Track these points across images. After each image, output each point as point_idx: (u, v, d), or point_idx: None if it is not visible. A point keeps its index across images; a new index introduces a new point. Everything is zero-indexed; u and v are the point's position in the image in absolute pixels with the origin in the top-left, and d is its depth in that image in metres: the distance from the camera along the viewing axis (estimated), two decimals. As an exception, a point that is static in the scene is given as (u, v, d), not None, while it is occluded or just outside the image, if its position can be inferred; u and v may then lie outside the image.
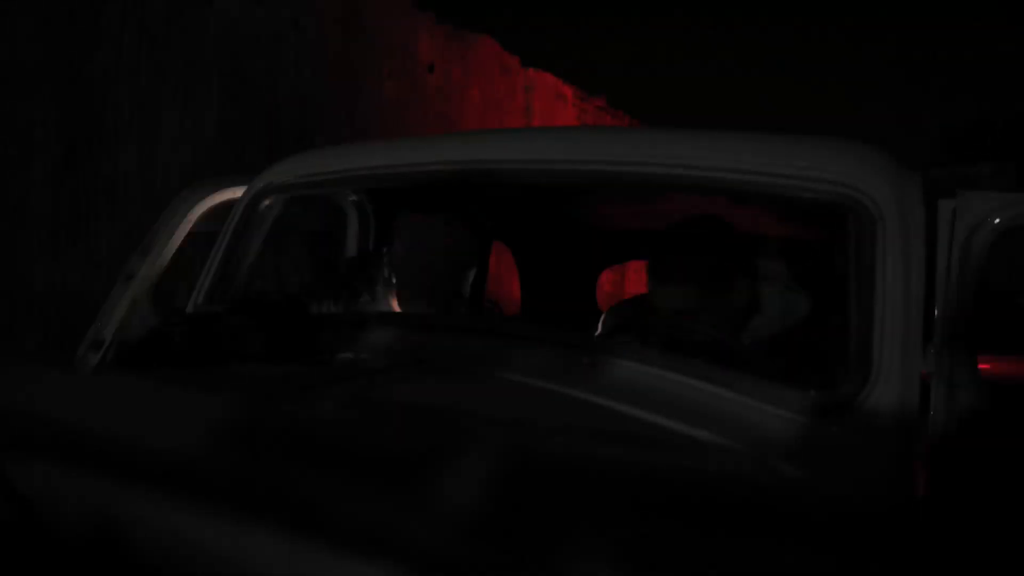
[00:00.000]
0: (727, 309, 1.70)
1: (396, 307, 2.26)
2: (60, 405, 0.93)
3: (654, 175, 1.46)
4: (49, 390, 1.00)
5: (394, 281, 2.34)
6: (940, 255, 1.30)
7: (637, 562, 0.69)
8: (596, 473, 0.93)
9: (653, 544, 0.73)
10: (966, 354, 1.25)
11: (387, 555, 0.63)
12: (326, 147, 2.05)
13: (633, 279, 8.03)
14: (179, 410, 0.94)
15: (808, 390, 1.26)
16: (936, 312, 1.28)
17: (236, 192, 2.21)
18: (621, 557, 0.69)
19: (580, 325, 2.25)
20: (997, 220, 1.30)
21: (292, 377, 1.24)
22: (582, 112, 8.52)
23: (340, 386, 1.24)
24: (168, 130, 4.11)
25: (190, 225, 2.37)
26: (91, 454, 0.79)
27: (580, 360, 1.41)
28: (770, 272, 1.84)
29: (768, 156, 1.37)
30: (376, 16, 5.65)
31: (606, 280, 4.52)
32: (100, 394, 1.00)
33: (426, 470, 0.79)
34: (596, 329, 2.05)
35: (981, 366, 1.30)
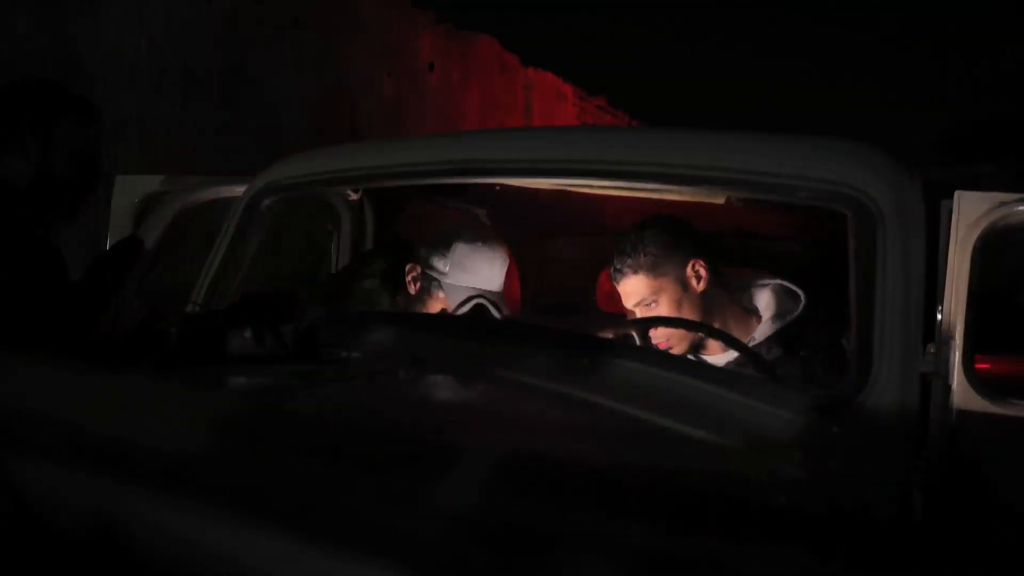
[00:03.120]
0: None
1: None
2: (60, 404, 0.93)
3: (654, 175, 1.46)
4: (49, 388, 1.00)
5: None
6: (940, 255, 1.30)
7: (636, 562, 0.69)
8: (595, 473, 0.93)
9: (652, 545, 0.73)
10: (966, 354, 1.25)
11: (387, 555, 0.63)
12: (326, 147, 2.05)
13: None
14: (178, 409, 0.94)
15: (808, 390, 1.26)
16: (936, 312, 1.28)
17: (235, 192, 2.21)
18: (619, 557, 0.69)
19: (580, 325, 2.25)
20: (997, 220, 1.30)
21: (291, 377, 1.24)
22: (582, 112, 8.52)
23: (339, 386, 1.24)
24: (168, 129, 4.10)
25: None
26: (91, 453, 0.79)
27: (580, 360, 1.41)
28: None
29: (768, 156, 1.37)
30: (376, 15, 5.65)
31: (606, 280, 4.50)
32: (99, 393, 1.00)
33: (426, 470, 0.79)
34: (595, 328, 2.05)
35: (981, 366, 1.30)
